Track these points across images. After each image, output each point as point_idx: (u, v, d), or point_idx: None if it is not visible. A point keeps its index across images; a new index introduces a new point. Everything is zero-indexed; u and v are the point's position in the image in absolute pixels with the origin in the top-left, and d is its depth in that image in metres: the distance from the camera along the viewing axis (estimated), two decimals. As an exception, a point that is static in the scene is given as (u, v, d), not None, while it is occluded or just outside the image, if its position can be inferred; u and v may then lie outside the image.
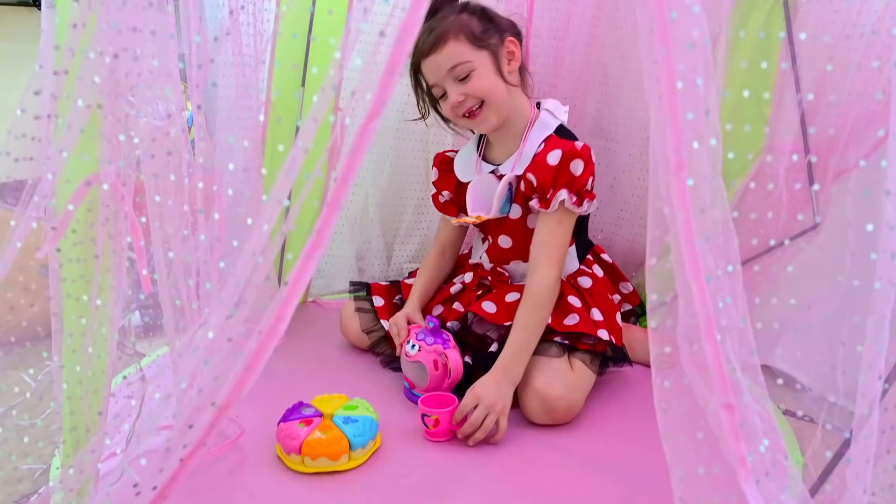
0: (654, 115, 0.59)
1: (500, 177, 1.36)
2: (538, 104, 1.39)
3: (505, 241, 1.42)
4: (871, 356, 0.64)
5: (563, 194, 1.27)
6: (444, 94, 1.33)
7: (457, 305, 1.39)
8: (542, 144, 1.33)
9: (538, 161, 1.30)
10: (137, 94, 0.86)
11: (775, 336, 1.32)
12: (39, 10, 0.80)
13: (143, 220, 0.86)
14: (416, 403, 1.24)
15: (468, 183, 1.41)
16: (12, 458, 1.11)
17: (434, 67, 1.31)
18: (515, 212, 1.38)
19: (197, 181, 0.86)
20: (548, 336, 1.27)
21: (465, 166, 1.45)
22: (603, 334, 1.28)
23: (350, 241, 1.77)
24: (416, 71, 1.36)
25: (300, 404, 1.20)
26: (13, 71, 1.65)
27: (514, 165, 1.35)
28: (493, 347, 1.30)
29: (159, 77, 0.84)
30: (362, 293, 1.53)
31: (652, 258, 0.69)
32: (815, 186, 1.26)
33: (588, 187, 1.30)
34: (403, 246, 1.83)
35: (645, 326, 1.52)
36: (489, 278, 1.42)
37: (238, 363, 0.63)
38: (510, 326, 1.27)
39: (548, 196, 1.28)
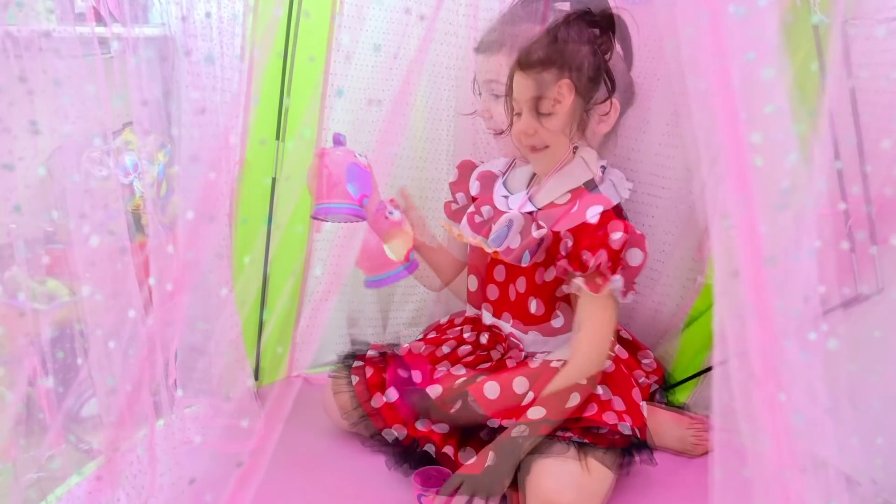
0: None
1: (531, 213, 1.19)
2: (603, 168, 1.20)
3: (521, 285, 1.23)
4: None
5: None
6: (519, 114, 1.14)
7: (456, 369, 1.20)
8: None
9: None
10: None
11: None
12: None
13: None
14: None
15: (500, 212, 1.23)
16: None
17: (521, 87, 1.12)
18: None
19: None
20: (560, 434, 1.07)
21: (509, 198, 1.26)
22: (624, 428, 1.08)
23: (339, 306, 1.59)
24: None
25: None
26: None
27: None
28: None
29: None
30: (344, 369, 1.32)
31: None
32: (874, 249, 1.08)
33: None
34: (400, 310, 1.65)
35: (671, 402, 1.33)
36: (501, 345, 1.24)
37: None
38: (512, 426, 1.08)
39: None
